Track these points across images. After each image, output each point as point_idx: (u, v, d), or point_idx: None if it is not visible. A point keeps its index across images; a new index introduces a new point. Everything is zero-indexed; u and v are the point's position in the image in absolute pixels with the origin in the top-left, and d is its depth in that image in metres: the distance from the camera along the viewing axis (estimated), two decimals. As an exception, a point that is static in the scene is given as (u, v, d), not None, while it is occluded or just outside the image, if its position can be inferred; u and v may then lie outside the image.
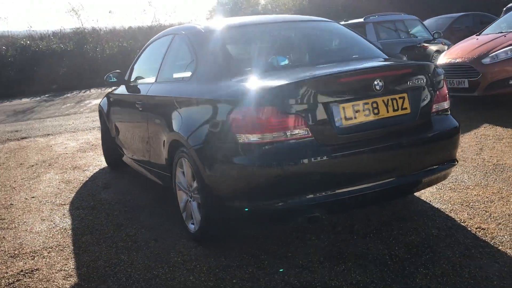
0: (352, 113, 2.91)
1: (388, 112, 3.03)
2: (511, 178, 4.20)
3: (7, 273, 3.22)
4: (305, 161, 2.80)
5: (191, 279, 2.94)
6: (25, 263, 3.35)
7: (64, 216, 4.25)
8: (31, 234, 3.87)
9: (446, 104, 3.36)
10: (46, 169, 6.12)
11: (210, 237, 3.33)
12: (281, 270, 2.94)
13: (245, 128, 2.78)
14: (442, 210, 3.66)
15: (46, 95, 16.08)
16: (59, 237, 3.77)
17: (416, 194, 4.00)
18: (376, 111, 2.98)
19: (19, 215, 4.37)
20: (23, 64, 17.69)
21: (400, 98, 3.07)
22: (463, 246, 3.06)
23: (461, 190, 4.02)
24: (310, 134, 2.81)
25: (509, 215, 3.45)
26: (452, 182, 4.21)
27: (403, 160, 3.10)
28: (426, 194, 3.98)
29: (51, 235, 3.82)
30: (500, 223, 3.34)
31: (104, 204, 4.50)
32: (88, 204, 4.55)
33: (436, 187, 4.11)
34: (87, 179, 5.50)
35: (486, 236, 3.17)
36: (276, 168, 2.78)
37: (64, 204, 4.59)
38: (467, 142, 5.50)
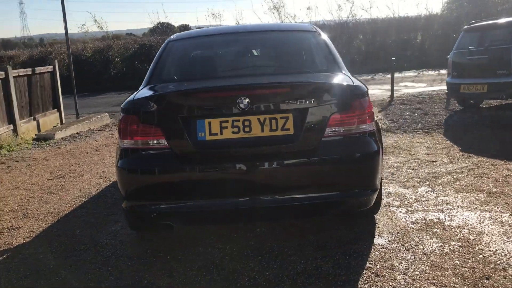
0: (219, 129, 2.89)
1: (263, 131, 2.89)
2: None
3: (3, 225, 4.16)
4: (158, 170, 2.93)
5: (88, 259, 3.36)
6: (22, 220, 4.26)
7: (97, 190, 5.09)
8: (57, 200, 4.81)
9: (359, 127, 2.98)
10: (146, 150, 7.16)
11: (134, 228, 3.68)
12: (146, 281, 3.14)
13: (122, 134, 3.05)
14: (375, 245, 3.24)
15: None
16: (67, 206, 4.60)
17: (380, 225, 3.58)
18: (247, 129, 2.89)
19: (74, 184, 5.39)
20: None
21: (282, 118, 2.89)
22: (328, 286, 2.76)
23: (432, 229, 3.43)
24: (168, 145, 2.92)
25: (430, 267, 2.89)
26: (443, 219, 3.61)
27: (274, 181, 2.92)
28: (390, 226, 3.53)
29: (66, 204, 4.68)
30: (405, 273, 2.84)
31: (134, 186, 5.19)
32: (125, 184, 5.31)
33: (411, 222, 3.60)
34: (157, 163, 6.29)
35: (368, 282, 2.76)
36: (135, 174, 2.99)
37: (111, 181, 5.45)
38: (538, 176, 4.44)
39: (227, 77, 3.51)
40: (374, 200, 3.17)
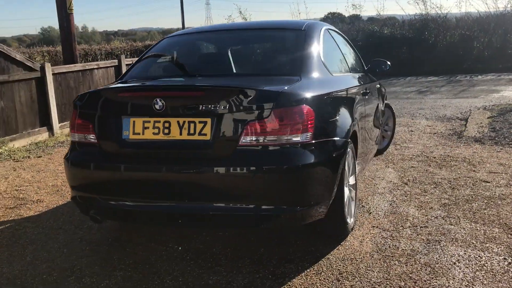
0: (141, 129, 2.89)
1: (181, 134, 2.81)
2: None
3: (32, 198, 4.71)
4: (87, 165, 3.04)
5: (59, 238, 3.64)
6: (50, 196, 4.75)
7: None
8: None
9: (286, 138, 2.70)
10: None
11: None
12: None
13: (70, 126, 3.23)
14: (310, 269, 2.94)
15: (367, 79, 17.04)
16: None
17: (342, 248, 3.23)
18: (166, 131, 2.83)
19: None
20: (367, 48, 19.16)
21: (200, 122, 2.77)
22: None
23: (391, 261, 2.98)
24: (96, 141, 3.01)
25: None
26: (418, 251, 3.12)
27: (186, 187, 2.81)
28: (349, 251, 3.16)
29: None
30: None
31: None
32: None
33: (378, 249, 3.17)
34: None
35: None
36: (72, 166, 3.13)
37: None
38: None
39: (182, 76, 3.46)
40: (310, 218, 2.88)
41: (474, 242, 3.21)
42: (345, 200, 3.23)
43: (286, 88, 2.83)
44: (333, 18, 40.87)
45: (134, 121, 2.91)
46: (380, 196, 4.25)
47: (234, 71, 3.50)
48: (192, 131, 2.79)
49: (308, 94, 2.86)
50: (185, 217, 2.90)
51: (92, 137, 3.05)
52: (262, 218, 2.80)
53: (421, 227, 3.52)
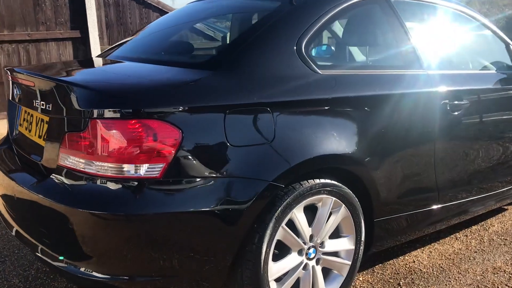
0: (23, 120, 2.37)
1: (35, 134, 2.16)
2: None
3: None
4: None
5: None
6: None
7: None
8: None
9: (103, 165, 1.75)
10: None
11: None
12: None
13: None
14: None
15: None
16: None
17: None
18: (30, 127, 2.22)
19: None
20: None
21: (47, 122, 2.07)
22: None
23: None
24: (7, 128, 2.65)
25: None
26: None
27: (14, 208, 2.20)
28: None
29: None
30: None
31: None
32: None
33: None
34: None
35: None
36: None
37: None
38: None
39: (122, 58, 2.67)
40: None
41: None
42: (277, 276, 2.05)
43: (131, 85, 1.88)
44: None
45: (23, 110, 2.38)
46: (448, 277, 2.74)
47: (155, 55, 2.54)
48: (40, 132, 2.10)
49: (182, 103, 1.79)
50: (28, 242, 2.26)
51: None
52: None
53: None
